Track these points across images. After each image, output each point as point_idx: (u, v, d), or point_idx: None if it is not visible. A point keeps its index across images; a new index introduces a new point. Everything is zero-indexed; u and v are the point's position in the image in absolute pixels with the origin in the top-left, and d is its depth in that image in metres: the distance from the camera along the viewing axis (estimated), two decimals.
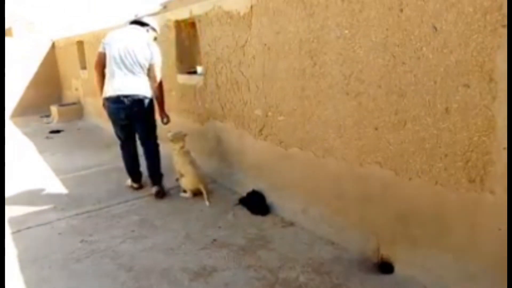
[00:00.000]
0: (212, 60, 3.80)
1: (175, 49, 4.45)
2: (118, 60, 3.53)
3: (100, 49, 3.63)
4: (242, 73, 3.41)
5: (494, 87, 1.76)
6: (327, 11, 2.50)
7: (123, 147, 3.93)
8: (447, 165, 2.01)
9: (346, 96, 2.49)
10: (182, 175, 3.65)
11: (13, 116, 8.84)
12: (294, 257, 2.55)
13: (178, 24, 4.37)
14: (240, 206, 3.34)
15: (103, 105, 3.72)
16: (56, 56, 9.40)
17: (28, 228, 3.18)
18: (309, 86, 2.76)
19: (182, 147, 3.72)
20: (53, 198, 3.80)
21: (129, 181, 3.98)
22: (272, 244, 2.73)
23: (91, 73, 7.52)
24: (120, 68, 3.54)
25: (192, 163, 3.65)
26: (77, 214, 3.40)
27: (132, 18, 3.85)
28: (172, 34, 4.44)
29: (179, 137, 3.74)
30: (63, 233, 3.09)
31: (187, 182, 3.60)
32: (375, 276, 2.31)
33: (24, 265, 2.64)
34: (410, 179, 2.20)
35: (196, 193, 3.58)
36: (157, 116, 3.85)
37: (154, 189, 3.69)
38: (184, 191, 3.66)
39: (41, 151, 5.68)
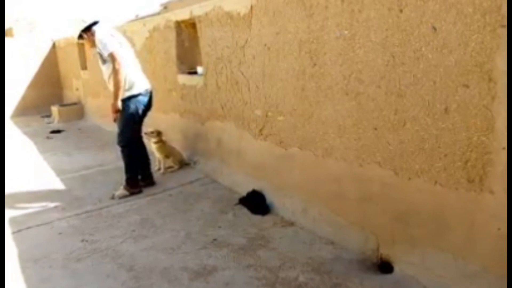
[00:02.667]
0: (212, 60, 3.81)
1: (175, 50, 4.46)
2: (134, 56, 3.78)
3: (118, 48, 3.51)
4: (242, 73, 3.41)
5: (493, 87, 1.76)
6: (327, 11, 2.50)
7: (138, 145, 3.83)
8: (446, 165, 2.02)
9: (345, 96, 2.49)
10: (167, 157, 4.38)
11: (14, 116, 8.86)
12: (294, 256, 2.55)
13: (179, 24, 4.38)
14: (240, 206, 3.34)
15: (135, 102, 3.62)
16: (57, 56, 9.41)
17: (29, 228, 3.19)
18: (309, 86, 2.77)
19: (157, 142, 4.28)
20: (54, 198, 3.80)
21: (125, 192, 3.71)
22: (272, 244, 2.73)
23: (91, 73, 7.55)
24: (135, 64, 3.77)
25: (172, 147, 4.47)
26: (77, 214, 3.41)
27: (105, 21, 3.88)
28: (172, 35, 4.45)
29: (155, 134, 4.28)
30: (64, 232, 3.10)
31: (174, 159, 4.41)
32: (375, 276, 2.32)
33: (24, 265, 2.64)
34: (409, 179, 2.21)
35: (181, 166, 4.44)
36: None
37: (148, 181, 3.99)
38: (171, 167, 4.40)
39: (41, 151, 5.69)
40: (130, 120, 3.66)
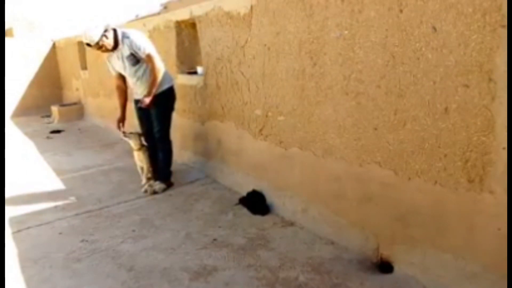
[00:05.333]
0: (212, 60, 3.81)
1: (175, 50, 4.46)
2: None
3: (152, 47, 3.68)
4: (242, 73, 3.42)
5: (493, 87, 1.77)
6: (327, 11, 2.50)
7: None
8: (446, 165, 2.02)
9: (345, 96, 2.49)
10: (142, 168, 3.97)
11: (14, 116, 8.87)
12: (294, 256, 2.55)
13: (179, 24, 4.38)
14: (240, 206, 3.34)
15: (172, 93, 3.88)
16: (57, 56, 9.42)
17: (29, 228, 3.19)
18: (309, 86, 2.77)
19: (139, 148, 3.89)
20: (54, 198, 3.80)
21: (164, 185, 3.84)
22: (272, 244, 2.74)
23: (91, 73, 7.55)
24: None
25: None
26: (77, 214, 3.41)
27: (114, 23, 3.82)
28: (172, 35, 4.45)
29: (136, 136, 3.90)
30: (64, 232, 3.10)
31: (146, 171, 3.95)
32: (375, 276, 2.32)
33: (24, 265, 2.64)
34: (409, 179, 2.21)
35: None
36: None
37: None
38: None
39: (41, 151, 5.69)
40: (170, 112, 3.87)
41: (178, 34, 4.41)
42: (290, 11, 2.79)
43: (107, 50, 3.63)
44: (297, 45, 2.79)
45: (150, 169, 3.91)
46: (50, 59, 9.34)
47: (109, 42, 3.54)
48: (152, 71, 3.58)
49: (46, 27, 9.34)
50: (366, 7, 2.25)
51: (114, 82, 3.96)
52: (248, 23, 3.21)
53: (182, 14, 4.23)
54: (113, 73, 3.87)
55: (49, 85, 9.32)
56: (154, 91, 3.60)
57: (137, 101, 3.81)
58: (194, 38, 4.28)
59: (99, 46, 3.55)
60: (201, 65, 4.10)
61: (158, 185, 3.82)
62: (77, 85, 8.55)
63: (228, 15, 3.43)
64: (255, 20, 3.14)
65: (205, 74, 3.99)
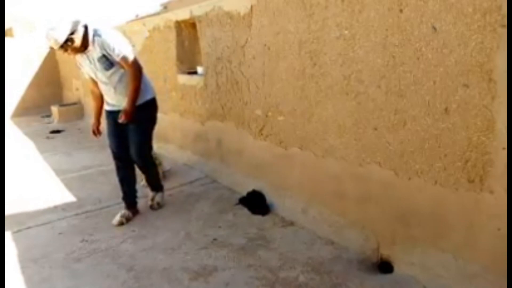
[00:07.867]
0: (212, 60, 3.81)
1: (175, 50, 4.46)
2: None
3: (131, 49, 3.09)
4: (242, 73, 3.41)
5: (493, 87, 1.77)
6: (327, 11, 2.50)
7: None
8: (446, 165, 2.02)
9: (345, 96, 2.49)
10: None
11: (14, 116, 8.86)
12: (294, 256, 2.55)
13: (179, 24, 4.38)
14: (240, 206, 3.34)
15: (155, 105, 3.27)
16: (57, 56, 9.42)
17: (29, 228, 3.19)
18: (309, 86, 2.77)
19: None
20: (54, 198, 3.80)
21: (163, 195, 3.53)
22: (272, 244, 2.73)
23: None
24: None
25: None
26: (77, 214, 3.41)
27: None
28: (172, 35, 4.45)
29: None
30: (64, 232, 3.10)
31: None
32: (375, 276, 2.32)
33: (24, 265, 2.65)
34: (409, 179, 2.21)
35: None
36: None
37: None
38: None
39: (41, 151, 5.69)
40: (152, 127, 3.28)
41: (178, 34, 4.41)
42: (290, 11, 2.79)
43: (74, 53, 2.99)
44: (297, 45, 2.79)
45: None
46: (50, 59, 9.34)
47: (76, 44, 2.87)
48: (131, 77, 2.97)
49: (46, 27, 9.34)
50: (366, 7, 2.25)
51: (88, 85, 3.23)
52: (248, 23, 3.21)
53: (182, 14, 4.23)
54: (86, 76, 3.27)
55: (49, 85, 9.32)
56: (135, 100, 3.01)
57: (110, 113, 3.19)
58: (194, 38, 4.28)
59: (64, 50, 2.89)
60: (201, 65, 4.10)
61: (158, 197, 3.52)
62: (77, 85, 8.54)
63: (228, 15, 3.43)
64: (255, 20, 3.14)
65: (205, 74, 3.99)
